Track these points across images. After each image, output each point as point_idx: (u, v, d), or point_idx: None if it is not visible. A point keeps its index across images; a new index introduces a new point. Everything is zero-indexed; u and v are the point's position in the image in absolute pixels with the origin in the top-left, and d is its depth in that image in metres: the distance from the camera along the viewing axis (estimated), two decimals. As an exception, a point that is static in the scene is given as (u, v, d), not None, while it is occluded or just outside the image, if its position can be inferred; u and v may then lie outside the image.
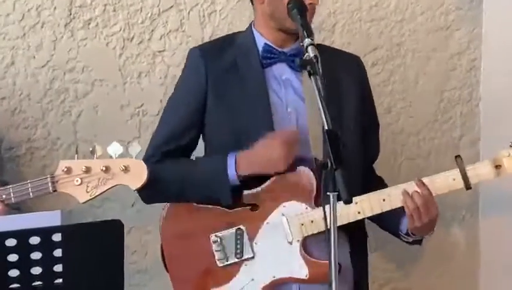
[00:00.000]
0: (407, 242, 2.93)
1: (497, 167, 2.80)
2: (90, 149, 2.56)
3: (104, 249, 2.40)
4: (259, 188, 2.84)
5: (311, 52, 2.57)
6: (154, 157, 2.90)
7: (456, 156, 2.83)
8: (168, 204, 2.91)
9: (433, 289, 3.72)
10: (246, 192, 2.84)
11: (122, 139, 3.31)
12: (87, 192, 2.57)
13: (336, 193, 2.38)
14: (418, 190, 2.79)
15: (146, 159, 2.75)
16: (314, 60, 2.54)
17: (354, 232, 2.87)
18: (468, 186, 2.81)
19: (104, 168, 2.54)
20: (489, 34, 3.66)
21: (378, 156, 3.08)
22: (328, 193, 2.39)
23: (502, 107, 3.66)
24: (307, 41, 2.61)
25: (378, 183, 2.97)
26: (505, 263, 3.66)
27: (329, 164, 2.39)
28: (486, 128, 3.68)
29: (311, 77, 2.53)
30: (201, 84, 2.91)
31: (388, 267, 3.67)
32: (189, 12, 3.46)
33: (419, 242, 2.93)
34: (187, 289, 2.87)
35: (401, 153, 3.67)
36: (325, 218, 2.43)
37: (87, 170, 2.55)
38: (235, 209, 2.85)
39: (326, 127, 2.44)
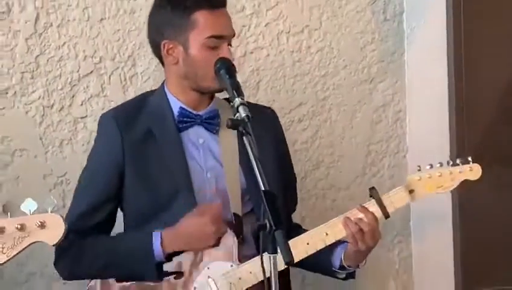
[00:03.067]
0: (340, 278, 2.90)
1: (411, 191, 2.84)
2: (1, 208, 2.46)
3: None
4: (180, 255, 2.76)
5: (242, 112, 2.53)
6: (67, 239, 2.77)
7: (370, 188, 2.85)
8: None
9: None
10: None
11: (47, 210, 3.23)
12: (4, 253, 2.44)
13: (276, 255, 2.34)
14: (362, 216, 2.78)
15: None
16: (247, 120, 2.51)
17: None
18: (386, 215, 2.82)
19: (19, 226, 2.42)
20: (412, 85, 3.68)
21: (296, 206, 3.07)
22: (268, 254, 2.34)
23: (429, 157, 3.66)
24: (237, 101, 2.57)
25: (297, 229, 2.95)
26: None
27: (268, 225, 2.35)
28: (416, 179, 3.67)
29: (244, 137, 2.49)
30: (117, 157, 2.82)
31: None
32: (110, 77, 3.38)
33: (352, 276, 2.91)
34: None
35: (332, 209, 3.63)
36: (265, 281, 2.37)
37: (1, 230, 2.42)
38: (159, 281, 2.75)
39: (263, 188, 2.41)
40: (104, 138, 2.88)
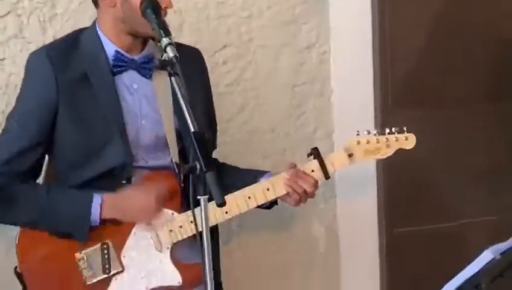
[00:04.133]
0: (264, 208, 2.91)
1: (350, 155, 2.88)
2: None
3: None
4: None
5: (170, 52, 2.46)
6: None
7: (312, 149, 2.88)
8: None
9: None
10: None
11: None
12: None
13: (207, 196, 2.33)
14: (306, 177, 2.83)
15: None
16: (174, 60, 2.45)
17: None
18: (327, 176, 2.87)
19: None
20: (337, 27, 3.65)
21: None
22: (198, 197, 2.33)
23: (353, 98, 3.69)
24: (165, 40, 2.50)
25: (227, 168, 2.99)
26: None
27: (198, 167, 2.32)
28: (340, 121, 3.69)
29: (172, 77, 2.44)
30: (51, 98, 2.72)
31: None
32: (28, 17, 3.27)
33: (275, 202, 2.93)
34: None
35: (257, 151, 3.62)
36: (195, 222, 2.39)
37: None
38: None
39: (192, 129, 2.37)
40: (37, 78, 2.76)
